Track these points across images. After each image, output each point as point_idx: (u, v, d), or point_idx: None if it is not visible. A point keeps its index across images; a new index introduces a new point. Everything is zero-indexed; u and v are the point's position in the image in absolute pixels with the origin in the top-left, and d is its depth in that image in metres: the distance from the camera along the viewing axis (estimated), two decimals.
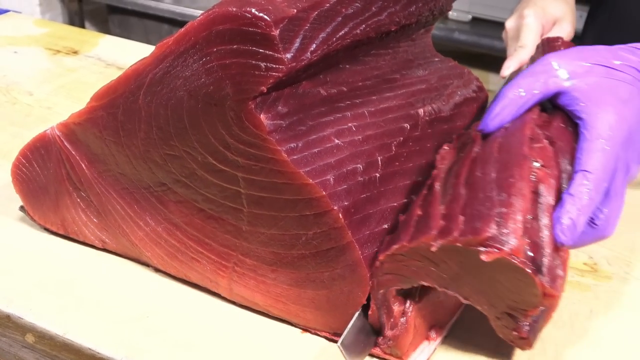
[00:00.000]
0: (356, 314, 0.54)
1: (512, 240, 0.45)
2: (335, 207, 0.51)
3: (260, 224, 0.55)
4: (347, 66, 0.61)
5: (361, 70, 0.63)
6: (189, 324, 0.59)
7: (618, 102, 0.53)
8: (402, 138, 0.61)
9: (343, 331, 0.56)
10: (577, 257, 0.69)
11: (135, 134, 0.56)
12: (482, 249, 0.45)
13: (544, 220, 0.48)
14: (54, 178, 0.65)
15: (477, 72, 0.87)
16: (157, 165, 0.57)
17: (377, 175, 0.56)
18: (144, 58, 0.53)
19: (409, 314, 0.53)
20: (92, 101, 0.58)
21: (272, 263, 0.56)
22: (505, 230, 0.46)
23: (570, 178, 0.51)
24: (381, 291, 0.53)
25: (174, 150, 0.55)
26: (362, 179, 0.55)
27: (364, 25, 0.58)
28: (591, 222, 0.52)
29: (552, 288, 0.45)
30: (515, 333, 0.49)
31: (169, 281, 0.64)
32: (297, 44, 0.50)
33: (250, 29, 0.48)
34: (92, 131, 0.59)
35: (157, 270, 0.65)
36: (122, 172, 0.60)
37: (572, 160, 0.53)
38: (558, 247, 0.48)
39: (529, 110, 0.56)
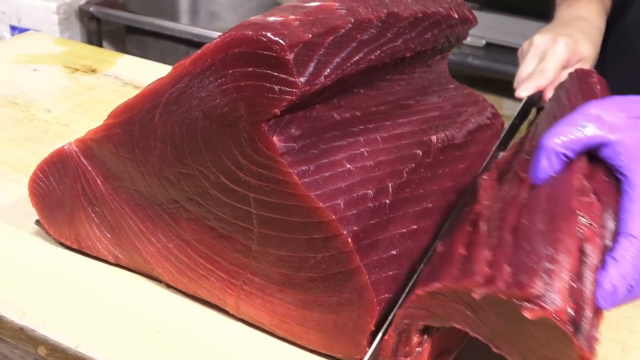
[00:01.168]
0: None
1: (558, 300, 0.44)
2: (345, 232, 0.52)
3: (270, 245, 0.55)
4: (362, 91, 0.62)
5: (375, 96, 0.63)
6: (199, 340, 0.60)
7: None
8: (413, 165, 0.61)
9: (349, 358, 0.56)
10: None
11: (151, 151, 0.57)
12: (525, 304, 0.44)
13: (588, 282, 0.47)
14: (70, 193, 0.66)
15: (490, 97, 0.87)
16: (171, 183, 0.58)
17: (387, 201, 0.57)
18: (161, 78, 0.54)
19: (425, 344, 0.53)
20: (109, 118, 0.59)
21: (281, 284, 0.56)
22: (551, 289, 0.45)
23: (613, 238, 0.50)
24: (406, 321, 0.52)
25: (187, 168, 0.56)
26: (372, 204, 0.55)
27: (378, 51, 0.58)
28: (629, 286, 0.50)
29: (589, 351, 0.44)
30: None
31: (180, 297, 0.64)
32: (311, 68, 0.50)
33: (265, 52, 0.49)
34: (108, 147, 0.60)
35: (168, 286, 0.65)
36: (136, 188, 0.61)
37: (616, 217, 0.51)
38: (597, 310, 0.47)
39: (576, 159, 0.54)
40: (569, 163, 0.53)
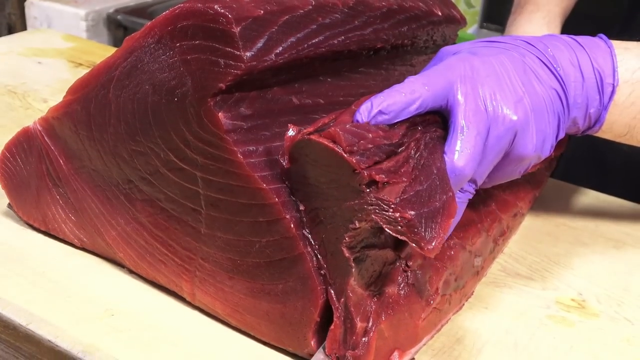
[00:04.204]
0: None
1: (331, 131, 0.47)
2: (288, 216, 0.50)
3: (217, 228, 0.54)
4: (329, 79, 0.60)
5: (344, 86, 0.62)
6: (153, 326, 0.58)
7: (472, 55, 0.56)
8: None
9: (297, 351, 0.54)
10: (565, 292, 0.66)
11: (106, 128, 0.57)
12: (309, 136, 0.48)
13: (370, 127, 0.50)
14: (36, 173, 0.65)
15: None
16: (125, 161, 0.57)
17: None
18: (115, 51, 0.54)
19: (371, 334, 0.52)
20: (67, 94, 0.59)
21: (229, 270, 0.55)
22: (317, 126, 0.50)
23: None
24: (342, 300, 0.51)
25: (139, 146, 0.55)
26: None
27: (342, 37, 0.57)
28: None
29: (359, 162, 0.46)
30: (396, 214, 0.46)
31: (140, 283, 0.63)
32: (260, 44, 0.49)
33: (211, 25, 0.48)
34: (68, 125, 0.60)
35: (130, 271, 0.64)
36: (95, 168, 0.60)
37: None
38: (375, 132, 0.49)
39: None
40: None
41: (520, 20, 0.88)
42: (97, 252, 0.66)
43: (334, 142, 0.47)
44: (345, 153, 0.47)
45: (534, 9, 0.88)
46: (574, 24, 0.94)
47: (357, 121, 0.50)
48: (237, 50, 0.48)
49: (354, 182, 0.47)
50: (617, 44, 0.61)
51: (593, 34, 0.63)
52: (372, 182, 0.47)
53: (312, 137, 0.48)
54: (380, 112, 0.50)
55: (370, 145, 0.48)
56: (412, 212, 0.47)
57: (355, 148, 0.47)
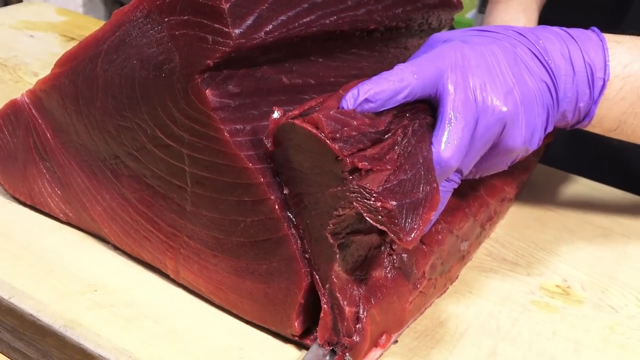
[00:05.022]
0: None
1: (314, 116, 0.47)
2: (272, 197, 0.50)
3: (203, 206, 0.53)
4: (320, 60, 0.60)
5: (336, 67, 0.61)
6: (135, 302, 0.58)
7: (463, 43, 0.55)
8: None
9: (280, 330, 0.54)
10: (550, 278, 0.66)
11: (93, 102, 0.56)
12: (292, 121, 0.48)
13: (356, 114, 0.49)
14: (23, 146, 0.65)
15: None
16: (112, 136, 0.56)
17: None
18: (104, 24, 0.53)
19: (364, 319, 0.51)
20: (55, 67, 0.58)
21: (214, 248, 0.55)
22: (306, 112, 0.49)
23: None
24: (327, 285, 0.51)
25: (126, 121, 0.55)
26: None
27: (335, 17, 0.56)
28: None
29: (341, 149, 0.46)
30: (378, 204, 0.46)
31: (124, 259, 0.63)
32: (249, 22, 0.49)
33: (200, 0, 0.47)
34: (55, 98, 0.59)
35: (115, 247, 0.64)
36: (82, 143, 0.60)
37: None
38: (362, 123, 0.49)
39: None
40: None
41: (497, 10, 0.87)
42: (83, 227, 0.66)
43: (317, 127, 0.47)
44: (328, 139, 0.46)
45: None
46: (566, 11, 0.93)
47: (343, 108, 0.49)
48: (225, 27, 0.47)
49: (337, 169, 0.47)
50: (609, 37, 0.60)
51: (586, 24, 0.63)
52: (355, 170, 0.46)
53: (296, 121, 0.47)
54: (367, 100, 0.50)
55: (354, 133, 0.47)
56: (394, 203, 0.46)
57: (338, 135, 0.47)
